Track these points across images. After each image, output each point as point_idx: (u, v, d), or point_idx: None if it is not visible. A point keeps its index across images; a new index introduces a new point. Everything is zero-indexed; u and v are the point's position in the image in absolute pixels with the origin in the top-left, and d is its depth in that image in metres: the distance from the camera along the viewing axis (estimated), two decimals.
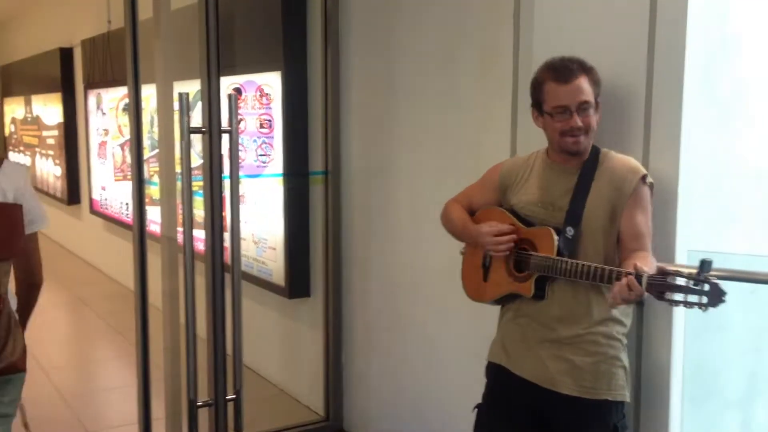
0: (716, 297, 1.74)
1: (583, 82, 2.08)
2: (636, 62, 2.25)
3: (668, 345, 2.25)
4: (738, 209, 2.40)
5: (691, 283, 1.75)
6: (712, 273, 1.76)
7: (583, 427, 2.15)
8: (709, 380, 2.53)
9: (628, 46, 2.28)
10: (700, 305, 1.75)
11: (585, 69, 2.11)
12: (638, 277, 1.83)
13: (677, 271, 1.78)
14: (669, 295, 1.78)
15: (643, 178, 2.09)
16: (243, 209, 4.15)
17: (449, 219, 2.44)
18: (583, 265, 2.01)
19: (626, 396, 2.15)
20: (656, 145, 2.23)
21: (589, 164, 2.14)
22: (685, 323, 2.26)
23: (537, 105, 2.18)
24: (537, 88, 2.17)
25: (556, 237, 2.10)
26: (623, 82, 2.24)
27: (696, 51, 2.16)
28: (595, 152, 2.15)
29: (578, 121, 2.08)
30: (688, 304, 1.76)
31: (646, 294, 1.83)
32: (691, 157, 2.18)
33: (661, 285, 1.79)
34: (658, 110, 2.22)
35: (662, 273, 1.81)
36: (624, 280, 1.86)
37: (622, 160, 2.15)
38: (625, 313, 2.16)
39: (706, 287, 1.74)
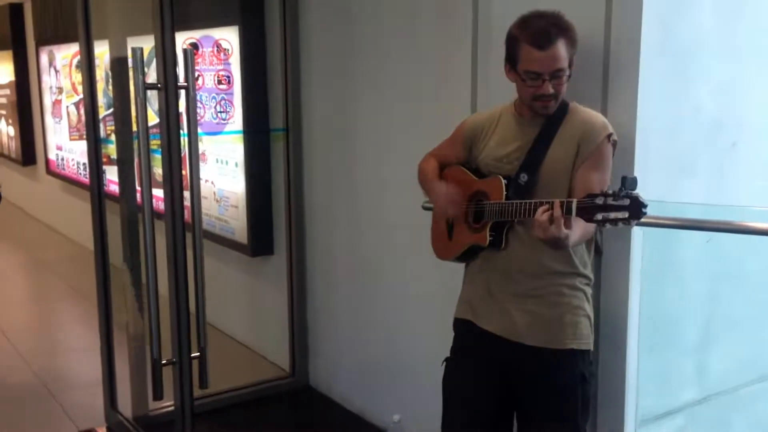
0: (636, 209, 1.76)
1: (561, 48, 2.03)
2: (594, 13, 2.24)
3: (625, 294, 2.29)
4: (694, 159, 2.44)
5: (611, 200, 1.78)
6: (637, 194, 1.77)
7: (551, 377, 2.18)
8: (666, 328, 2.58)
9: None
10: (623, 220, 1.78)
11: (563, 31, 2.04)
12: (568, 204, 1.86)
13: (604, 192, 1.81)
14: (597, 216, 1.80)
15: (609, 136, 2.09)
16: (204, 168, 4.11)
17: (421, 174, 2.43)
18: (524, 202, 2.02)
19: (590, 345, 2.19)
20: (614, 96, 2.23)
21: (555, 117, 2.13)
22: (641, 272, 2.30)
23: (511, 61, 2.12)
24: (512, 44, 2.10)
25: (504, 182, 2.12)
26: (581, 34, 2.21)
27: (654, 2, 2.16)
28: (563, 105, 2.14)
29: (550, 88, 2.06)
30: (613, 222, 1.79)
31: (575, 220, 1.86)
32: (648, 109, 2.20)
33: (589, 207, 1.81)
34: (615, 62, 2.22)
35: (590, 196, 1.84)
36: (547, 206, 1.89)
37: (591, 115, 2.14)
38: (584, 264, 2.18)
39: (627, 201, 1.77)
